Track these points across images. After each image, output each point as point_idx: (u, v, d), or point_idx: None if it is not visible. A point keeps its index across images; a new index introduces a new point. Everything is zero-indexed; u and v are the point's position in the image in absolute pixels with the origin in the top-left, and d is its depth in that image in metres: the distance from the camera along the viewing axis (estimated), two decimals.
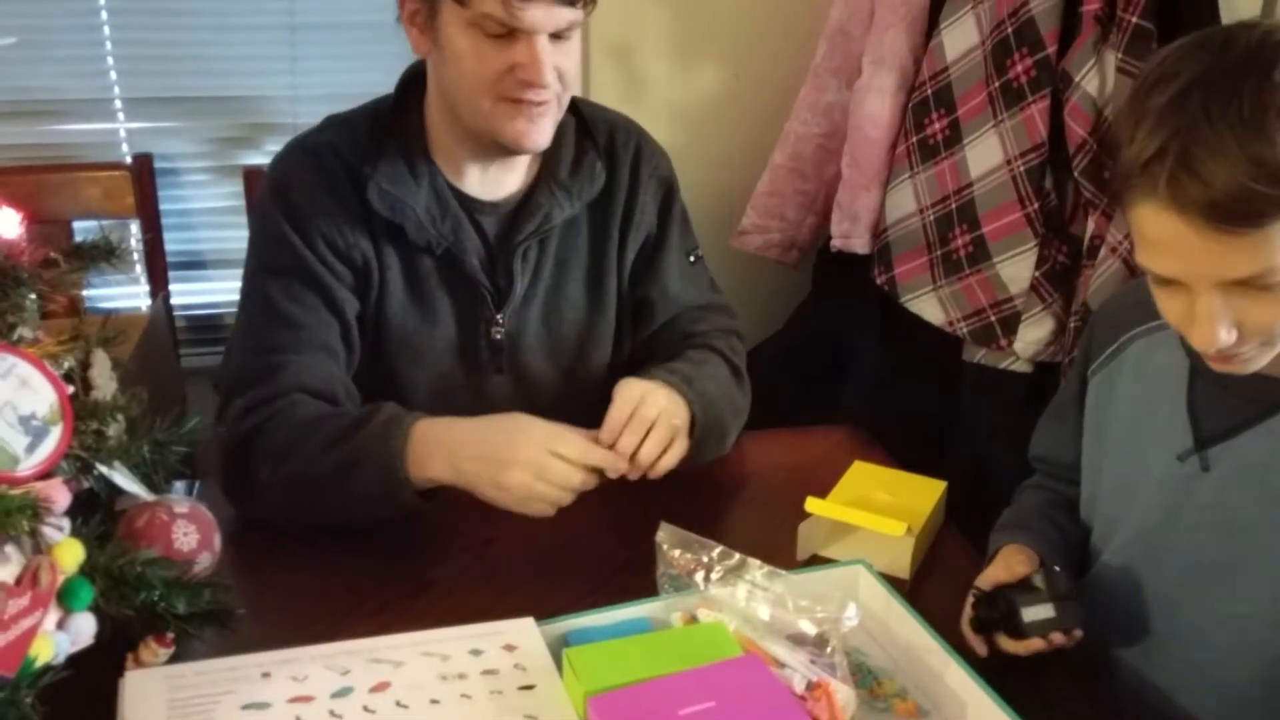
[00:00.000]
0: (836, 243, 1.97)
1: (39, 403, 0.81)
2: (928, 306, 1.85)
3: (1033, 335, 1.73)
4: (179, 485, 1.24)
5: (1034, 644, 1.02)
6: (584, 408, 1.37)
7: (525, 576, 1.15)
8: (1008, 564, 1.09)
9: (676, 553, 1.05)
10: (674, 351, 1.41)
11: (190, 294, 2.18)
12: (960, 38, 1.76)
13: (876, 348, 2.00)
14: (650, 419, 1.20)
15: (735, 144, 2.20)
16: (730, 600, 1.02)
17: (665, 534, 1.06)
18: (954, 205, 1.78)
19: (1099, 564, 1.13)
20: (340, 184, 1.30)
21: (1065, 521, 1.18)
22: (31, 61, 1.97)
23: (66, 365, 0.92)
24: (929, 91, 1.81)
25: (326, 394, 1.26)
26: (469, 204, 1.35)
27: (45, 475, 0.81)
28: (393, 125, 1.33)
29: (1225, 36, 0.86)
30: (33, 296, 0.86)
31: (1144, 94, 0.87)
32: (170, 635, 0.97)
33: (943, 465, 1.35)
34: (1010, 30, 1.67)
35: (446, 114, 1.30)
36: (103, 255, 0.97)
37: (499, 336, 1.38)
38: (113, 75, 2.03)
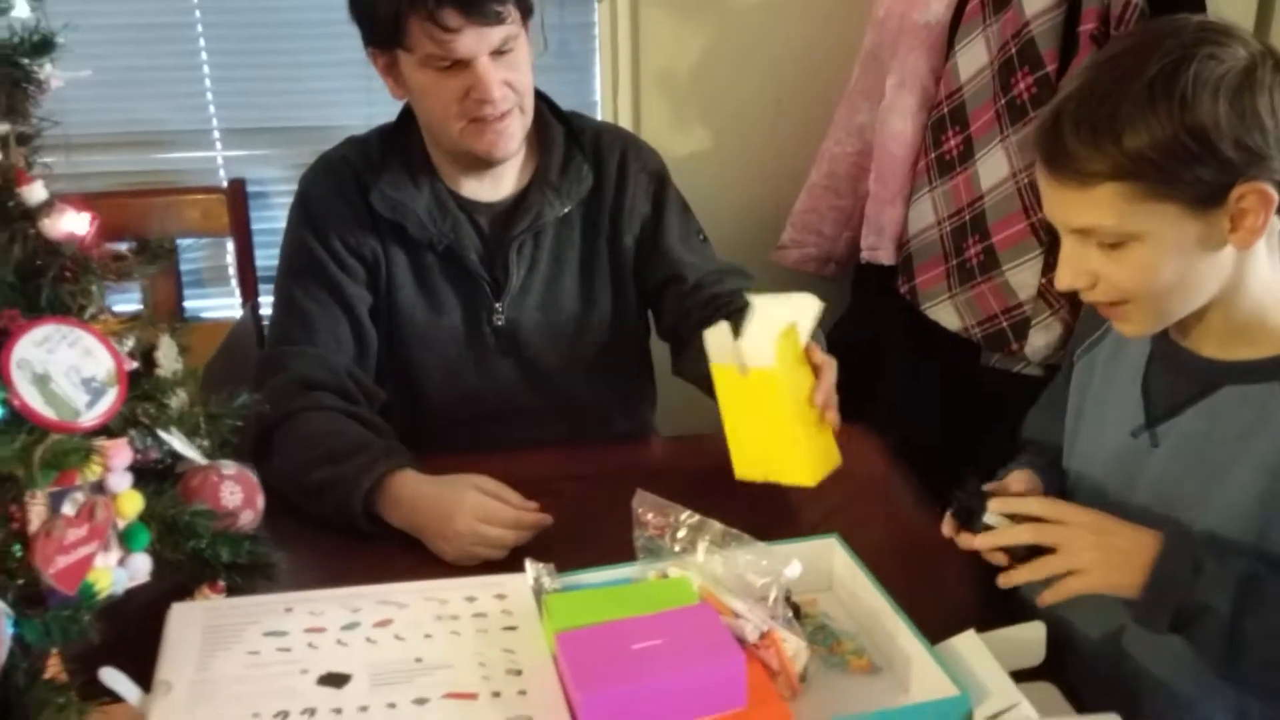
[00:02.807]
0: (865, 254, 2.07)
1: (98, 368, 0.97)
2: (945, 313, 1.93)
3: (1042, 340, 1.80)
4: None
5: (974, 542, 1.06)
6: (581, 383, 1.57)
7: (536, 548, 1.24)
8: (1013, 479, 1.15)
9: (650, 516, 1.16)
10: (706, 314, 1.49)
11: None
12: (972, 59, 1.86)
13: (906, 354, 2.09)
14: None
15: (777, 165, 2.31)
16: (695, 559, 1.13)
17: (639, 500, 1.17)
18: (968, 217, 1.87)
19: None
20: (350, 191, 1.48)
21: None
22: (140, 98, 2.19)
23: (129, 344, 1.09)
24: (945, 110, 1.90)
25: (332, 384, 1.42)
26: (467, 205, 1.50)
27: (102, 427, 0.97)
28: (397, 141, 1.50)
29: (1165, 27, 0.97)
30: (100, 283, 1.03)
31: None
32: (221, 584, 1.11)
33: (963, 465, 1.41)
34: (1014, 50, 1.76)
35: (432, 140, 1.48)
36: (164, 254, 1.13)
37: (500, 323, 1.52)
38: (211, 109, 2.24)
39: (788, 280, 2.23)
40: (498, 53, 1.37)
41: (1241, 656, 0.94)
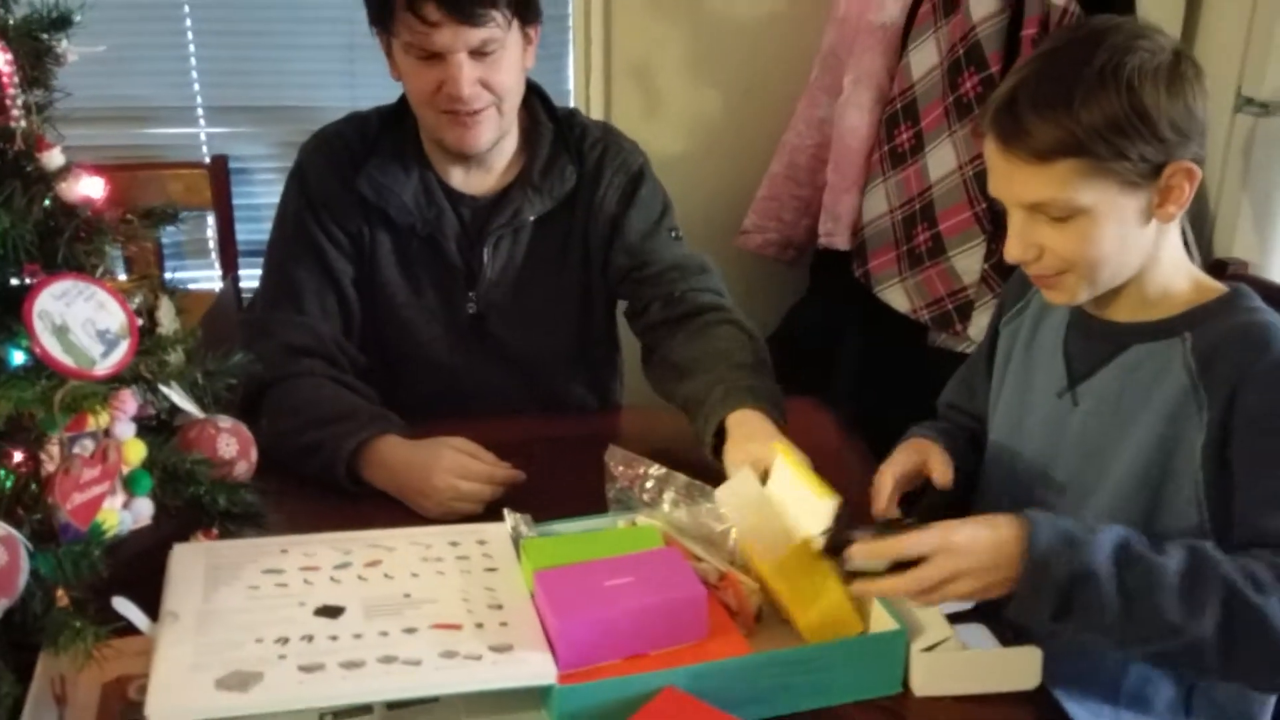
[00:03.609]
0: (822, 240, 2.18)
1: (112, 321, 1.03)
2: (896, 296, 2.04)
3: (983, 321, 1.89)
4: None
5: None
6: (552, 371, 1.61)
7: (513, 504, 1.27)
8: (910, 452, 1.23)
9: (620, 469, 1.25)
10: (659, 318, 1.52)
11: (257, 278, 2.42)
12: (923, 58, 1.97)
13: (859, 334, 2.20)
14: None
15: (741, 154, 2.39)
16: (662, 509, 1.22)
17: (611, 454, 1.26)
18: (917, 206, 1.98)
19: (992, 494, 1.28)
20: (343, 168, 1.52)
21: (963, 441, 1.33)
22: (126, 74, 2.22)
23: (136, 301, 1.16)
24: (898, 106, 2.02)
25: (320, 351, 1.48)
26: (453, 196, 1.54)
27: (116, 375, 1.04)
28: (394, 124, 1.53)
29: (1105, 24, 1.08)
30: (111, 244, 1.10)
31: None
32: (215, 531, 1.19)
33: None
34: (961, 52, 1.87)
35: (422, 126, 1.51)
36: (168, 218, 1.20)
37: (474, 311, 1.57)
38: (195, 87, 2.28)
39: (750, 263, 2.35)
40: (479, 53, 1.39)
41: (1130, 619, 0.97)
